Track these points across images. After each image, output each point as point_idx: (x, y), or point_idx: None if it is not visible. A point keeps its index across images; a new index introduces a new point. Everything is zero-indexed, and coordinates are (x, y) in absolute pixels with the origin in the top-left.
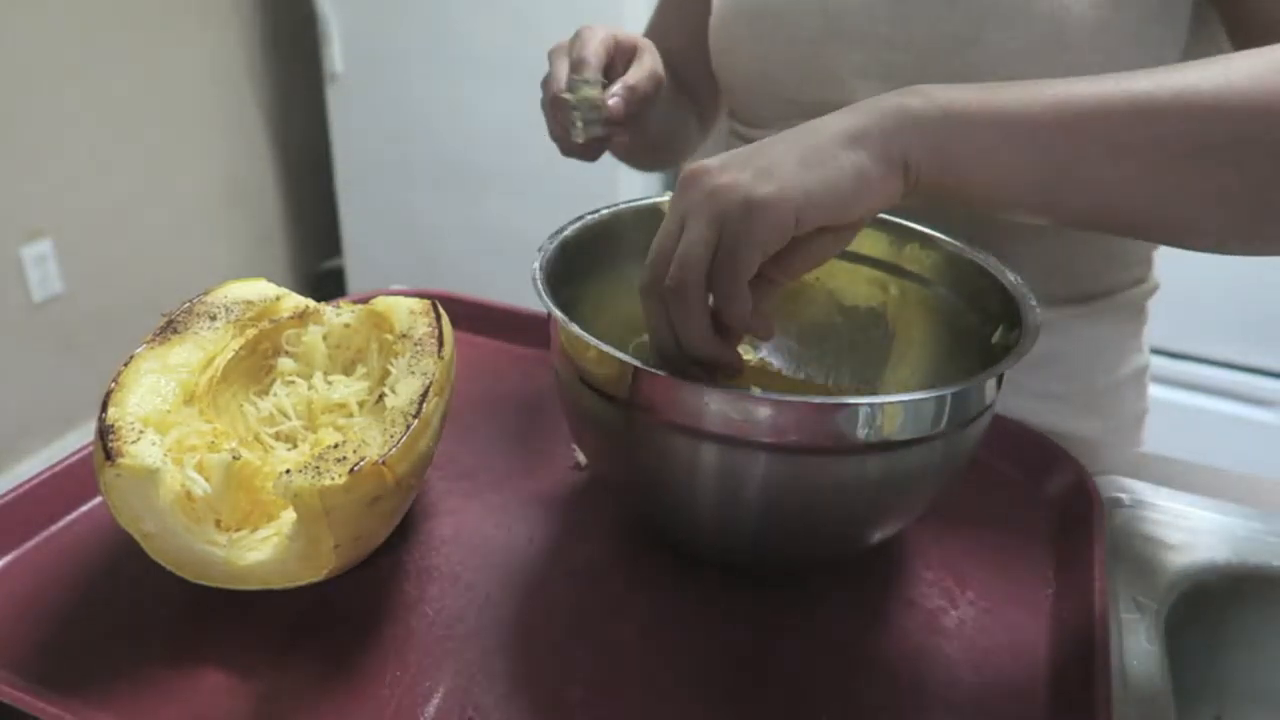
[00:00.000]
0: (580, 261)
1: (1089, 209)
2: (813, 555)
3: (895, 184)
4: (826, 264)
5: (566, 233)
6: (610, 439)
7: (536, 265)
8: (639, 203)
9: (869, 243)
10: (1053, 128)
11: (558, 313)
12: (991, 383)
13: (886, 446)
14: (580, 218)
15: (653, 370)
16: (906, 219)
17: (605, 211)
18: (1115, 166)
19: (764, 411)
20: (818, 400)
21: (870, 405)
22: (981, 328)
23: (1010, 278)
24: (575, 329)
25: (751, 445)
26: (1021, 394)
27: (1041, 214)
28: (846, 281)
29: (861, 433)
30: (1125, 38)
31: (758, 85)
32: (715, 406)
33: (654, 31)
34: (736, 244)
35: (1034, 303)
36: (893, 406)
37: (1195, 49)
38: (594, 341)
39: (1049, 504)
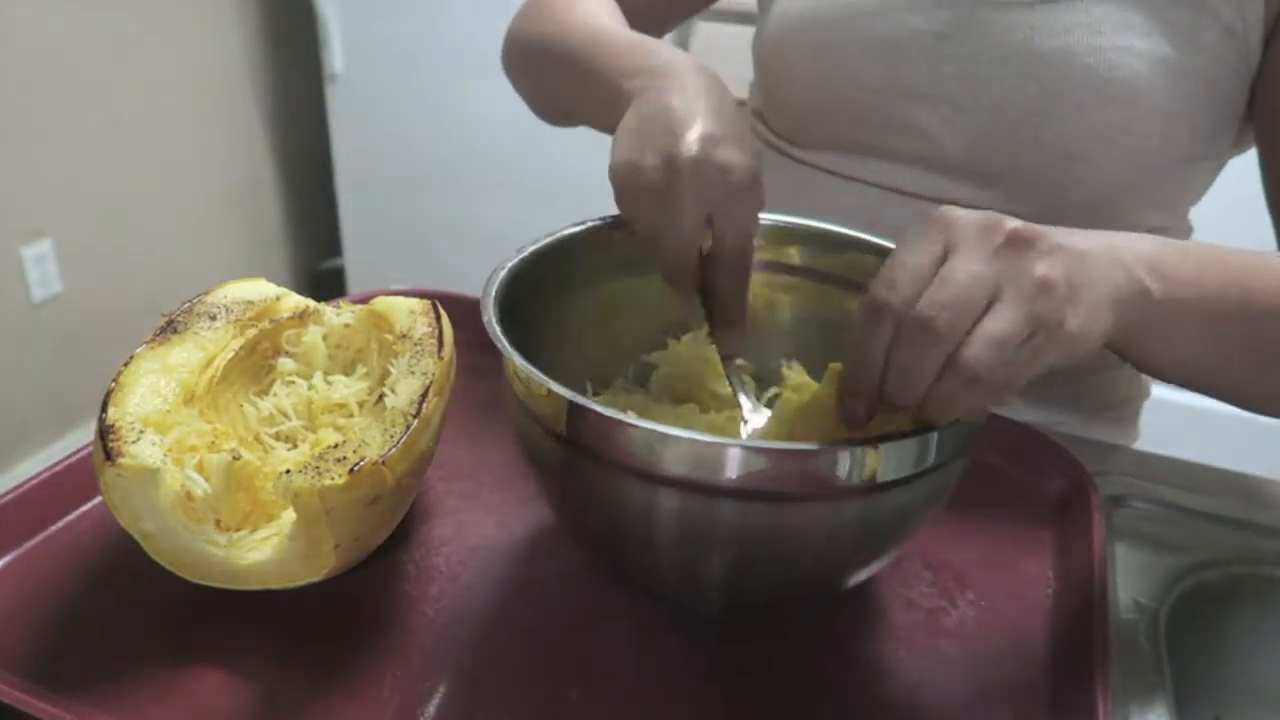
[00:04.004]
0: (547, 279)
1: (1232, 392)
2: (784, 601)
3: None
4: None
5: (524, 253)
6: (558, 479)
7: (494, 278)
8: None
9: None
10: (1236, 323)
11: (505, 345)
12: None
13: (866, 490)
14: (541, 237)
15: (611, 415)
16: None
17: (578, 226)
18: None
19: (730, 456)
20: (777, 447)
21: (850, 451)
22: None
23: None
24: (523, 362)
25: (715, 491)
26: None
27: (1191, 386)
28: (834, 301)
29: (840, 477)
30: (1189, 126)
31: (814, 115)
32: (676, 451)
33: None
34: (1035, 357)
35: None
36: (873, 452)
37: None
38: (555, 385)
39: (1049, 504)
